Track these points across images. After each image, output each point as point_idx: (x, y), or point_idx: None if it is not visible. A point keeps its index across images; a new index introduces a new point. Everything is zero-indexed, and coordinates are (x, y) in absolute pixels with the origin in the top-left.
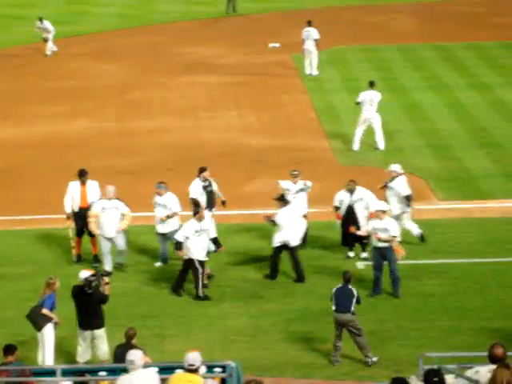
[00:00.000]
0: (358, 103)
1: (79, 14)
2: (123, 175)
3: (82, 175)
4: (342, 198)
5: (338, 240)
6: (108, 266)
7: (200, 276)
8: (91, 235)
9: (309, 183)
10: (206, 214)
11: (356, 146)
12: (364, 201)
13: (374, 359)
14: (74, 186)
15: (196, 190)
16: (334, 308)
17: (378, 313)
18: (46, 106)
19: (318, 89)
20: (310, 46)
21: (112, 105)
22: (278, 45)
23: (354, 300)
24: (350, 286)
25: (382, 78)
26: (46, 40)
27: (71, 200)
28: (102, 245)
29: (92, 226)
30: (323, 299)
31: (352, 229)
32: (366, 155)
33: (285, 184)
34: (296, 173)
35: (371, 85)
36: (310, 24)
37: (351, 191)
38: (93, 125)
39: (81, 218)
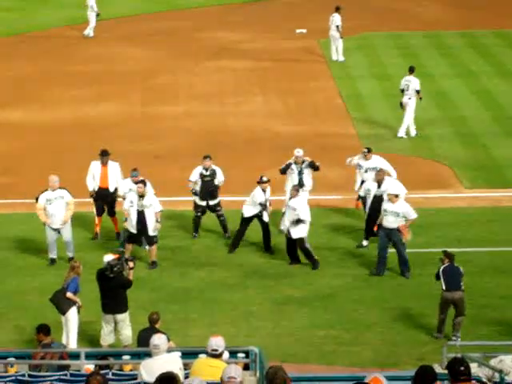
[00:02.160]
0: (401, 90)
1: None
2: (148, 160)
3: (104, 155)
4: (369, 187)
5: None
6: (52, 254)
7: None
8: (111, 215)
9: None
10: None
11: (412, 131)
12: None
13: (459, 340)
14: (95, 166)
15: (194, 174)
16: (444, 287)
17: (401, 300)
18: (71, 90)
19: (344, 75)
20: (332, 31)
21: (137, 89)
22: (304, 30)
23: (462, 277)
24: (456, 264)
25: (408, 65)
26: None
27: (92, 179)
28: (47, 234)
29: (41, 218)
30: (347, 286)
31: (376, 227)
32: (393, 142)
33: (356, 159)
34: (366, 150)
35: (410, 70)
36: (336, 10)
37: (379, 182)
38: (118, 109)
39: (100, 197)
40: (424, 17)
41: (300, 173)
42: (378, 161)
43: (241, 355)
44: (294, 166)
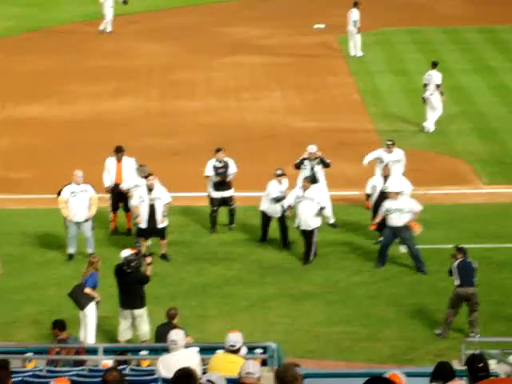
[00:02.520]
0: (424, 85)
1: None
2: (166, 155)
3: (118, 152)
4: (375, 183)
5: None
6: (71, 249)
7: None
8: (126, 210)
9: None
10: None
11: (431, 127)
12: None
13: (478, 336)
14: (110, 162)
15: (208, 169)
16: (458, 283)
17: (419, 296)
18: (90, 85)
19: (362, 70)
20: (350, 27)
21: (156, 85)
22: (323, 26)
23: (476, 272)
24: (469, 260)
25: (427, 60)
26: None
27: (108, 174)
28: (68, 229)
29: (63, 212)
30: (365, 282)
31: (373, 227)
32: (412, 137)
33: (378, 153)
34: (390, 142)
35: (433, 65)
36: (354, 5)
37: (386, 177)
38: (136, 104)
39: (116, 193)
40: (443, 12)
41: (312, 169)
42: (400, 154)
43: (258, 351)
44: (306, 162)
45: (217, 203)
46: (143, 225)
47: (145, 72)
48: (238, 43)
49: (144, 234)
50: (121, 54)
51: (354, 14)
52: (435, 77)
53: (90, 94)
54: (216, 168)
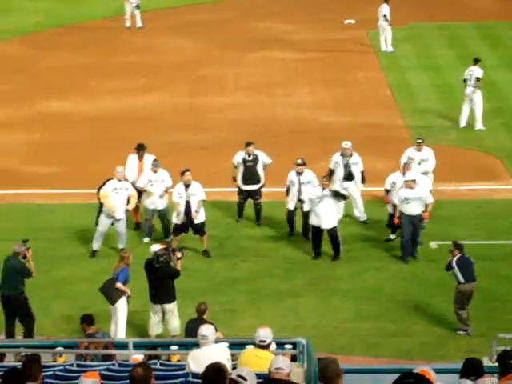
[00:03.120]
0: (464, 80)
1: None
2: (195, 151)
3: (140, 149)
4: (395, 179)
5: None
6: (96, 245)
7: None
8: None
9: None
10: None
11: (462, 122)
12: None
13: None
14: (132, 159)
15: (235, 159)
16: (462, 280)
17: (448, 292)
18: (118, 81)
19: (393, 66)
20: (381, 22)
21: (184, 80)
22: (353, 21)
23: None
24: (467, 255)
25: (457, 56)
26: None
27: (131, 171)
28: (101, 223)
29: (108, 205)
30: (393, 278)
31: (396, 220)
32: (443, 133)
33: (408, 152)
34: (420, 141)
35: (475, 61)
36: (385, 0)
37: (404, 174)
38: (166, 100)
39: (138, 190)
40: (474, 7)
41: (347, 166)
42: (429, 152)
43: (288, 346)
44: (340, 159)
45: (244, 195)
46: (177, 221)
47: (173, 67)
48: (267, 38)
49: (180, 229)
50: (149, 49)
51: (385, 9)
52: (477, 72)
53: (118, 89)
54: (244, 161)
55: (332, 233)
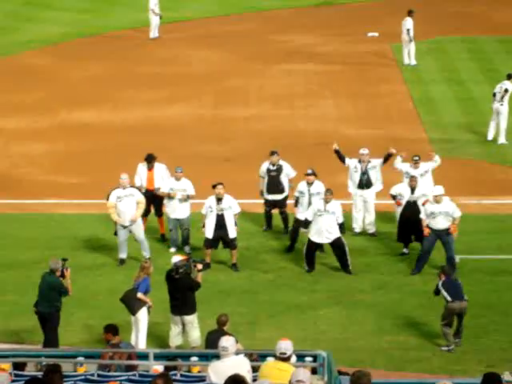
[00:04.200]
0: (493, 94)
1: (179, 1)
2: (218, 162)
3: (149, 161)
4: (402, 191)
5: None
6: (122, 254)
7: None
8: (158, 215)
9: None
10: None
11: (489, 135)
12: (426, 197)
13: (452, 348)
14: (142, 169)
15: (261, 170)
16: (449, 299)
17: (472, 307)
18: (143, 91)
19: (416, 79)
20: (404, 35)
21: (210, 91)
22: (376, 34)
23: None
24: (453, 278)
25: (482, 70)
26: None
27: (140, 180)
28: (119, 233)
29: (112, 217)
30: (416, 293)
31: (426, 231)
32: (466, 147)
33: (400, 165)
34: (417, 158)
35: (508, 76)
36: (408, 13)
37: (413, 188)
38: (190, 111)
39: (147, 199)
40: (498, 21)
41: (364, 173)
42: (425, 167)
43: (308, 359)
44: (358, 165)
45: (269, 204)
46: (209, 235)
47: (198, 79)
48: (291, 51)
49: (210, 244)
50: (174, 60)
51: (408, 23)
52: (508, 86)
53: (143, 100)
54: (269, 170)
55: (338, 244)
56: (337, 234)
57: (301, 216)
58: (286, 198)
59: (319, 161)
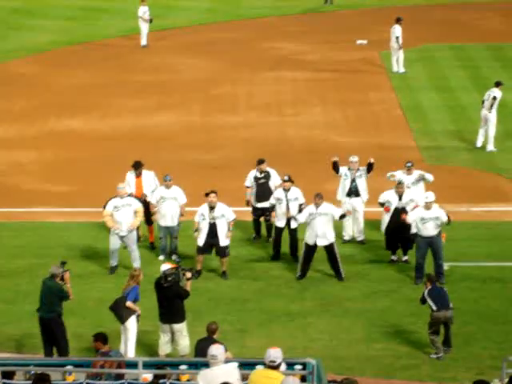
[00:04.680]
0: (482, 101)
1: (168, 8)
2: (207, 170)
3: (137, 168)
4: (390, 199)
5: None
6: (113, 262)
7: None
8: (148, 223)
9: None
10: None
11: (478, 143)
12: (414, 202)
13: (441, 355)
14: (130, 177)
15: (248, 179)
16: (435, 308)
17: (461, 315)
18: (132, 99)
19: (405, 87)
20: (392, 43)
21: (198, 99)
22: (365, 41)
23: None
24: (439, 286)
25: (470, 77)
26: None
27: (129, 189)
28: (111, 242)
29: (108, 224)
30: (405, 300)
31: (404, 216)
32: (454, 154)
33: (398, 175)
34: (410, 165)
35: (496, 84)
36: (397, 21)
37: (400, 195)
38: (178, 119)
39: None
40: (487, 29)
41: (353, 180)
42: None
43: (298, 367)
44: (347, 172)
45: (259, 213)
46: (201, 243)
47: (186, 86)
48: (280, 58)
49: (202, 251)
50: (163, 68)
51: (397, 30)
52: (496, 94)
53: (131, 107)
54: (256, 178)
55: (330, 250)
56: (332, 238)
57: (280, 224)
58: (274, 206)
59: (307, 168)
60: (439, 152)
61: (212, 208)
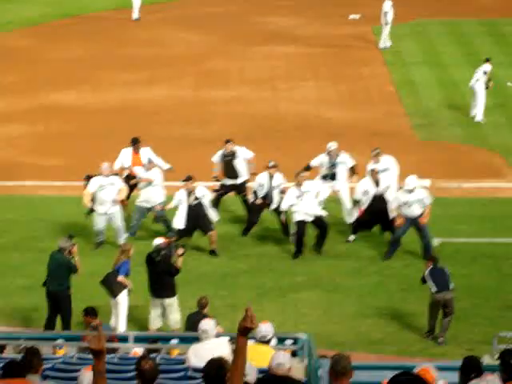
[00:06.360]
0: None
1: None
2: (198, 144)
3: (135, 143)
4: (367, 188)
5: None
6: (100, 237)
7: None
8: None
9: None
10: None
11: (472, 112)
12: (391, 188)
13: (442, 340)
14: (125, 153)
15: (214, 158)
16: (435, 289)
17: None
18: (123, 73)
19: (397, 62)
20: (381, 18)
21: (189, 74)
22: (357, 16)
23: (450, 277)
24: (440, 266)
25: (462, 53)
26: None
27: (120, 164)
28: (96, 221)
29: (85, 201)
30: (396, 276)
31: (399, 221)
32: (446, 129)
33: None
34: (378, 151)
35: (486, 60)
36: None
37: (377, 181)
38: (170, 93)
39: (132, 184)
40: (480, 4)
41: (332, 166)
42: (388, 162)
43: (289, 342)
44: (325, 160)
45: (225, 190)
46: (181, 226)
47: (178, 61)
48: (273, 33)
49: (184, 234)
50: (155, 42)
51: (386, 5)
52: (485, 67)
53: (123, 81)
54: (224, 156)
55: (320, 223)
56: (319, 212)
57: (258, 201)
58: (245, 182)
59: (300, 144)
60: (431, 128)
61: (190, 192)
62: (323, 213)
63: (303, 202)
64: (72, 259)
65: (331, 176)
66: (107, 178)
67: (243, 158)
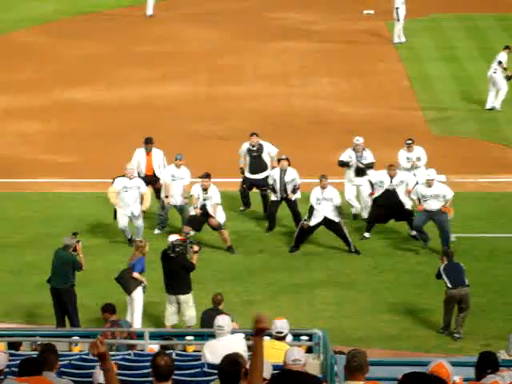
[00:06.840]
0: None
1: None
2: (212, 140)
3: (148, 143)
4: (383, 179)
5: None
6: (127, 235)
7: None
8: (158, 197)
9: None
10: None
11: (488, 105)
12: (404, 183)
13: (459, 336)
14: (139, 153)
15: (241, 151)
16: (450, 285)
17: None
18: (138, 70)
19: (412, 57)
20: (394, 13)
21: (203, 70)
22: (372, 12)
23: (465, 273)
24: (456, 261)
25: (477, 47)
26: None
27: (137, 165)
28: (120, 221)
29: (111, 200)
30: (411, 272)
31: (421, 207)
32: (462, 124)
33: (401, 153)
34: (410, 142)
35: (504, 48)
36: None
37: (392, 177)
38: (184, 89)
39: (147, 184)
40: None
41: (359, 161)
42: (420, 151)
43: (304, 338)
44: (352, 154)
45: (248, 183)
46: (194, 212)
47: (193, 57)
48: (287, 28)
49: (192, 224)
50: (169, 38)
51: (397, 1)
52: (501, 57)
53: (138, 78)
54: (249, 150)
55: (336, 228)
56: (337, 219)
57: (274, 197)
58: (267, 178)
59: (314, 139)
60: (446, 122)
61: (205, 190)
62: (336, 218)
63: (321, 206)
64: (77, 256)
65: (359, 172)
66: (131, 180)
67: (268, 152)
